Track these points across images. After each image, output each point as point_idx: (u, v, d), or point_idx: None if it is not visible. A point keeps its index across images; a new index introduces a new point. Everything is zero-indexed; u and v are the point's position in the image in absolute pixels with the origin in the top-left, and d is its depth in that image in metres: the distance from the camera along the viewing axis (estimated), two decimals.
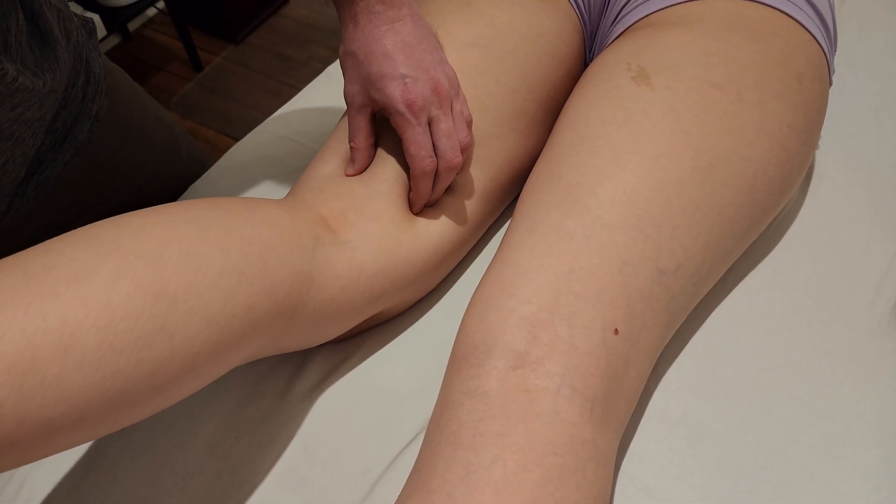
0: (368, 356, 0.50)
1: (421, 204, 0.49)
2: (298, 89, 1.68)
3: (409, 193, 0.49)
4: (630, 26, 0.56)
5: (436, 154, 0.47)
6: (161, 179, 0.66)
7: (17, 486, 0.48)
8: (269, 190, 0.63)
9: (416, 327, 0.52)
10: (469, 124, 0.49)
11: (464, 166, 0.51)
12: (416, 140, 0.46)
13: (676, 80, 0.48)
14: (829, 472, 0.43)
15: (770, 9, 0.51)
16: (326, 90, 0.72)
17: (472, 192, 0.52)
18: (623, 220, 0.43)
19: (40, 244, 0.36)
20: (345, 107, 0.70)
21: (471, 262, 0.56)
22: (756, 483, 0.43)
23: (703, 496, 0.43)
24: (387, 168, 0.50)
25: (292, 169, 0.65)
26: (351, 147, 0.49)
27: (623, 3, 0.57)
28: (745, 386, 0.47)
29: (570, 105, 0.53)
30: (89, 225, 0.38)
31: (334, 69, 0.74)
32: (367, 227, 0.46)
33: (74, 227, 0.58)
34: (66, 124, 0.50)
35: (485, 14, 0.55)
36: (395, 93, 0.45)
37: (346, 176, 0.50)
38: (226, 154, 0.68)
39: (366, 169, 0.50)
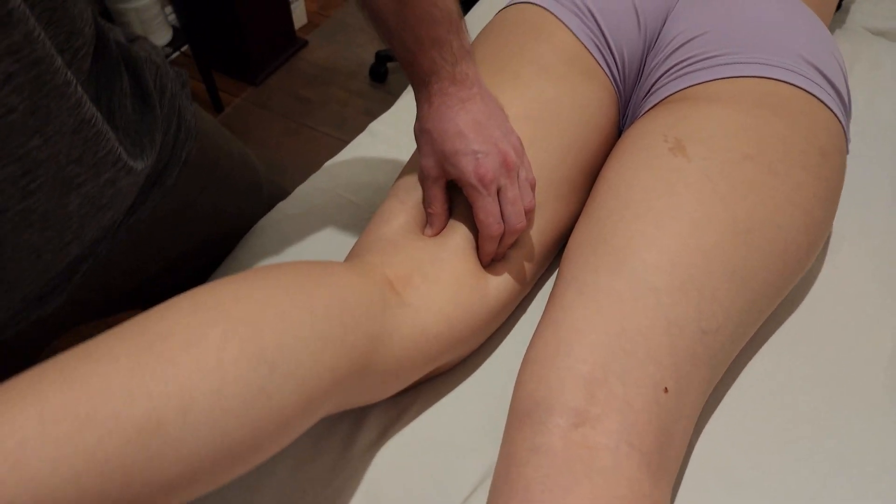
0: (424, 410, 0.53)
1: (488, 261, 0.54)
2: (317, 130, 1.75)
3: (477, 252, 0.53)
4: (663, 99, 0.60)
5: (503, 218, 0.51)
6: (241, 220, 0.69)
7: None
8: (319, 244, 0.67)
9: (469, 382, 0.55)
10: (533, 187, 0.53)
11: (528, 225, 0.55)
12: (486, 209, 0.50)
13: (712, 151, 0.52)
14: None
15: (795, 88, 0.56)
16: (370, 147, 0.77)
17: (527, 259, 0.56)
18: (668, 283, 0.47)
19: (152, 310, 0.39)
20: (391, 164, 0.75)
21: (518, 318, 0.60)
22: None
23: None
24: (448, 235, 0.53)
25: (341, 224, 0.68)
26: (429, 212, 0.54)
27: (656, 77, 0.62)
28: (778, 438, 0.50)
29: (609, 171, 0.57)
30: (192, 290, 0.41)
31: (377, 126, 0.79)
32: (429, 290, 0.49)
33: (155, 267, 0.61)
34: (158, 170, 0.53)
35: (533, 87, 0.60)
36: (469, 168, 0.49)
37: (426, 236, 0.53)
38: (275, 208, 0.72)
39: (442, 231, 0.54)
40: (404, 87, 0.87)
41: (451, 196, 0.54)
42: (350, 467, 0.49)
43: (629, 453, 0.41)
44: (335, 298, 0.43)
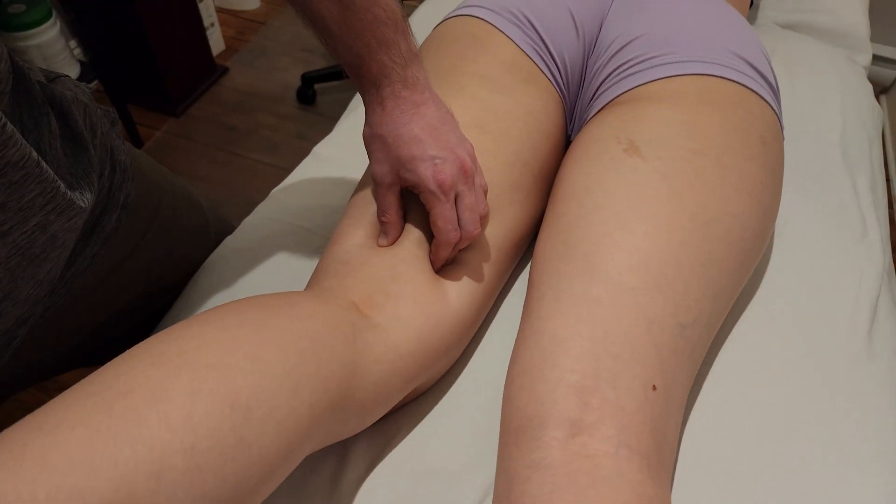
0: (409, 436, 0.51)
1: (440, 266, 0.53)
2: (248, 158, 1.70)
3: (430, 255, 0.52)
4: (609, 101, 0.61)
5: (459, 225, 0.50)
6: (190, 262, 0.65)
7: None
8: (274, 276, 0.64)
9: (447, 400, 0.54)
10: (485, 193, 0.53)
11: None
12: (445, 215, 0.49)
13: (664, 150, 0.54)
14: (851, 492, 0.48)
15: (730, 82, 0.58)
16: (317, 171, 0.74)
17: (484, 262, 0.56)
18: (642, 283, 0.47)
19: (105, 367, 0.36)
20: (340, 186, 0.73)
21: (487, 329, 0.59)
22: None
23: None
24: (401, 246, 0.52)
25: (294, 252, 0.66)
26: (382, 221, 0.52)
27: (599, 82, 0.63)
28: (761, 424, 0.52)
29: (567, 177, 0.57)
30: (148, 340, 0.38)
31: (321, 150, 0.76)
32: (395, 308, 0.48)
33: (101, 322, 0.56)
34: (95, 216, 0.49)
35: (478, 98, 0.59)
36: (427, 174, 0.48)
37: (379, 247, 0.52)
38: (222, 243, 0.68)
39: (397, 239, 0.53)
40: (335, 109, 0.85)
41: (402, 203, 0.53)
42: None
43: (629, 457, 0.41)
44: (304, 331, 0.41)
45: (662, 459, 0.43)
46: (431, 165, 0.48)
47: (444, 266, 0.53)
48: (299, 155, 0.78)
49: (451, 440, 0.51)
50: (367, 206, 0.55)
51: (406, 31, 0.48)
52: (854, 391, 0.54)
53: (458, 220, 0.50)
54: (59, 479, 0.29)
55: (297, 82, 1.86)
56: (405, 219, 0.53)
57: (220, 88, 1.88)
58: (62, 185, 0.40)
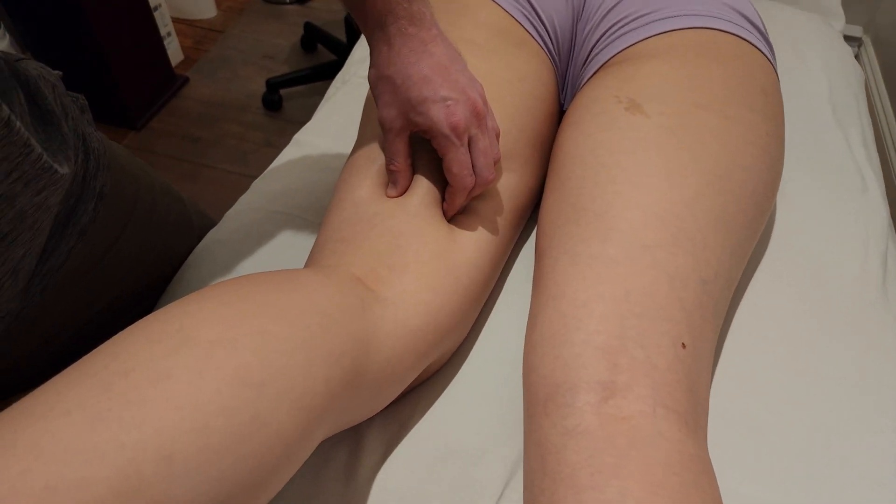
0: (423, 418, 0.48)
1: (453, 213, 0.51)
2: (216, 168, 1.64)
3: (443, 204, 0.50)
4: (604, 63, 0.59)
5: (473, 170, 0.48)
6: (172, 256, 0.61)
7: None
8: (262, 265, 0.60)
9: (460, 379, 0.50)
10: (497, 136, 0.50)
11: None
12: (460, 160, 0.46)
13: (666, 105, 0.52)
14: (882, 437, 0.46)
15: (727, 35, 0.57)
16: (298, 158, 0.70)
17: (487, 233, 0.53)
18: (660, 239, 0.45)
19: (98, 350, 0.32)
20: (323, 171, 0.69)
21: (493, 305, 0.56)
22: (824, 461, 0.45)
23: (783, 482, 0.44)
24: (405, 213, 0.49)
25: (281, 240, 0.62)
26: (391, 170, 0.49)
27: (591, 45, 0.62)
28: (784, 378, 0.50)
29: (568, 140, 0.55)
30: (144, 319, 0.34)
31: (302, 136, 0.73)
32: (401, 282, 0.45)
33: (85, 321, 0.52)
34: (70, 206, 0.45)
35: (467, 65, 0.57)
36: (440, 116, 0.45)
37: (388, 197, 0.49)
38: (206, 236, 0.64)
39: (407, 189, 0.50)
40: (302, 115, 0.82)
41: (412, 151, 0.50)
42: (358, 497, 0.43)
43: (666, 416, 0.38)
44: (312, 306, 0.38)
45: (698, 418, 0.41)
46: (444, 107, 0.45)
47: (456, 216, 0.51)
48: (269, 163, 0.74)
49: (469, 418, 0.47)
50: (369, 160, 0.52)
51: None
52: (874, 340, 0.52)
53: (473, 164, 0.47)
54: (57, 467, 0.25)
55: (262, 90, 1.82)
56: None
57: (182, 100, 1.82)
58: (37, 149, 0.36)
